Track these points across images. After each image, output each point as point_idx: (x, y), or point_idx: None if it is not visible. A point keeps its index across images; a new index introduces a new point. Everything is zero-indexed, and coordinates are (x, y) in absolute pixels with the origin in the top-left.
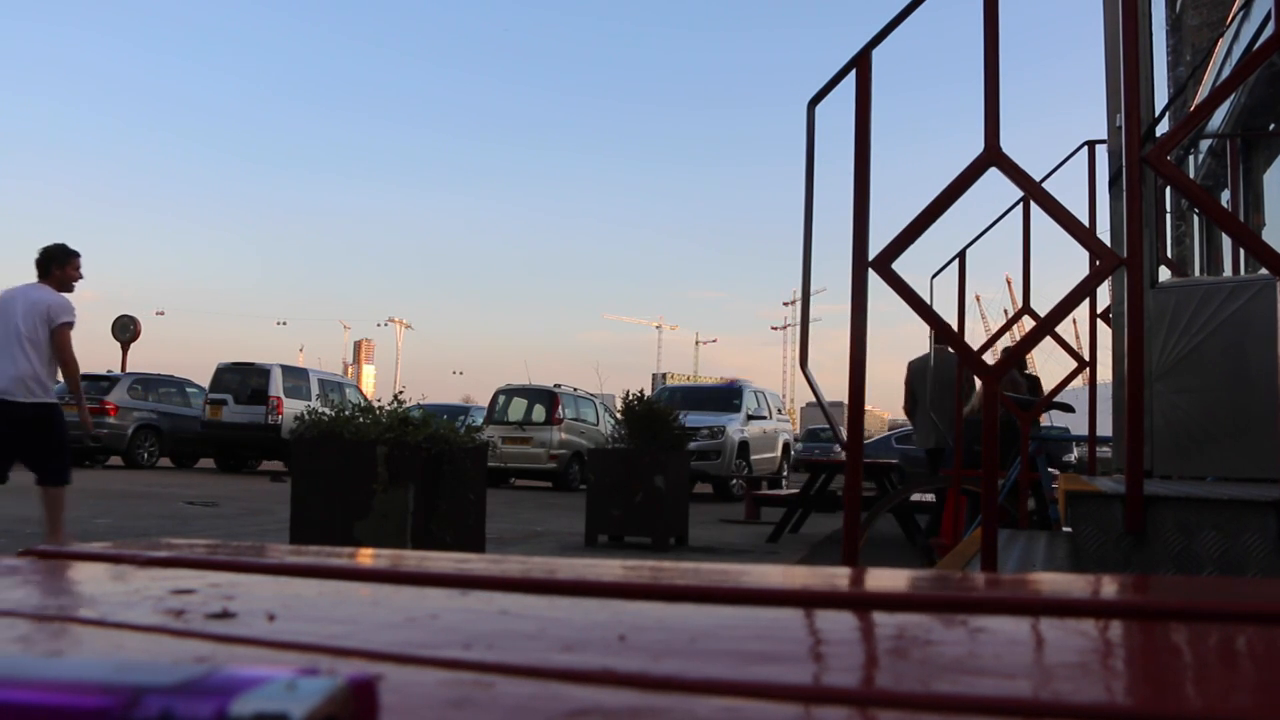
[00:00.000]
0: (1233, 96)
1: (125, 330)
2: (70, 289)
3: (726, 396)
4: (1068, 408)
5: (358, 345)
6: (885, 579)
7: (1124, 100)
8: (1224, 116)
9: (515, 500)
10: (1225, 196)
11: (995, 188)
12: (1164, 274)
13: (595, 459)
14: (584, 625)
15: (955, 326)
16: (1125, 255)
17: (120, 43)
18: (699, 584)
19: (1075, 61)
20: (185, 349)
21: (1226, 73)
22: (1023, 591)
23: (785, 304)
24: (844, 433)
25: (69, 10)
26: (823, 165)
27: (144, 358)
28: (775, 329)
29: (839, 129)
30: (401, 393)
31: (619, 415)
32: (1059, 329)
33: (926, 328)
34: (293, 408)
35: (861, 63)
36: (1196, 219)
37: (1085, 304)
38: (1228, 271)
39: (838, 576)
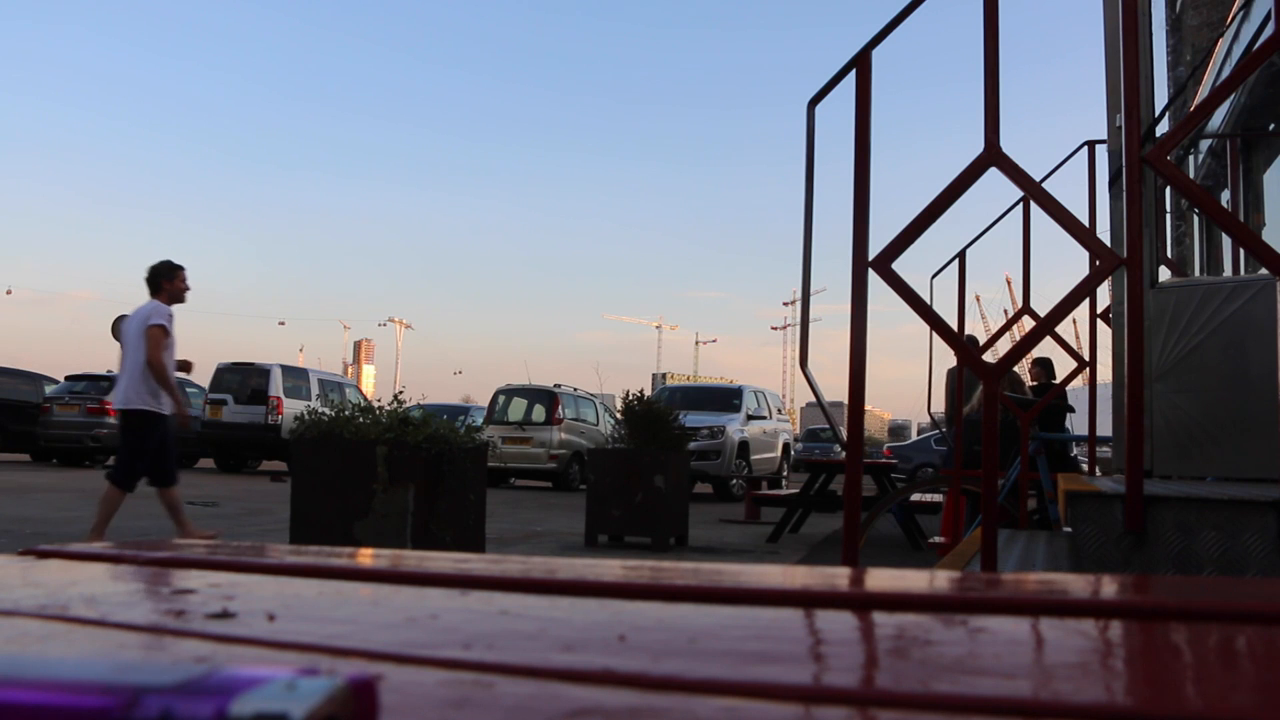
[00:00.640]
0: (1233, 96)
1: None
2: (181, 300)
3: (726, 396)
4: (1068, 408)
5: (358, 345)
6: (885, 579)
7: (1124, 100)
8: (1224, 116)
9: (515, 500)
10: (1225, 196)
11: (995, 188)
12: (1164, 274)
13: (595, 459)
14: (584, 625)
15: (955, 326)
16: (1125, 255)
17: (120, 43)
18: (699, 584)
19: (1075, 61)
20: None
21: (1226, 73)
22: (1022, 592)
23: (785, 304)
24: (844, 433)
25: (69, 10)
26: (823, 165)
27: None
28: (775, 329)
29: (839, 129)
30: (401, 393)
31: (619, 415)
32: (1059, 329)
33: (926, 328)
34: (293, 408)
35: (861, 63)
36: (1196, 219)
37: (1085, 304)
38: (1228, 271)
39: (838, 576)
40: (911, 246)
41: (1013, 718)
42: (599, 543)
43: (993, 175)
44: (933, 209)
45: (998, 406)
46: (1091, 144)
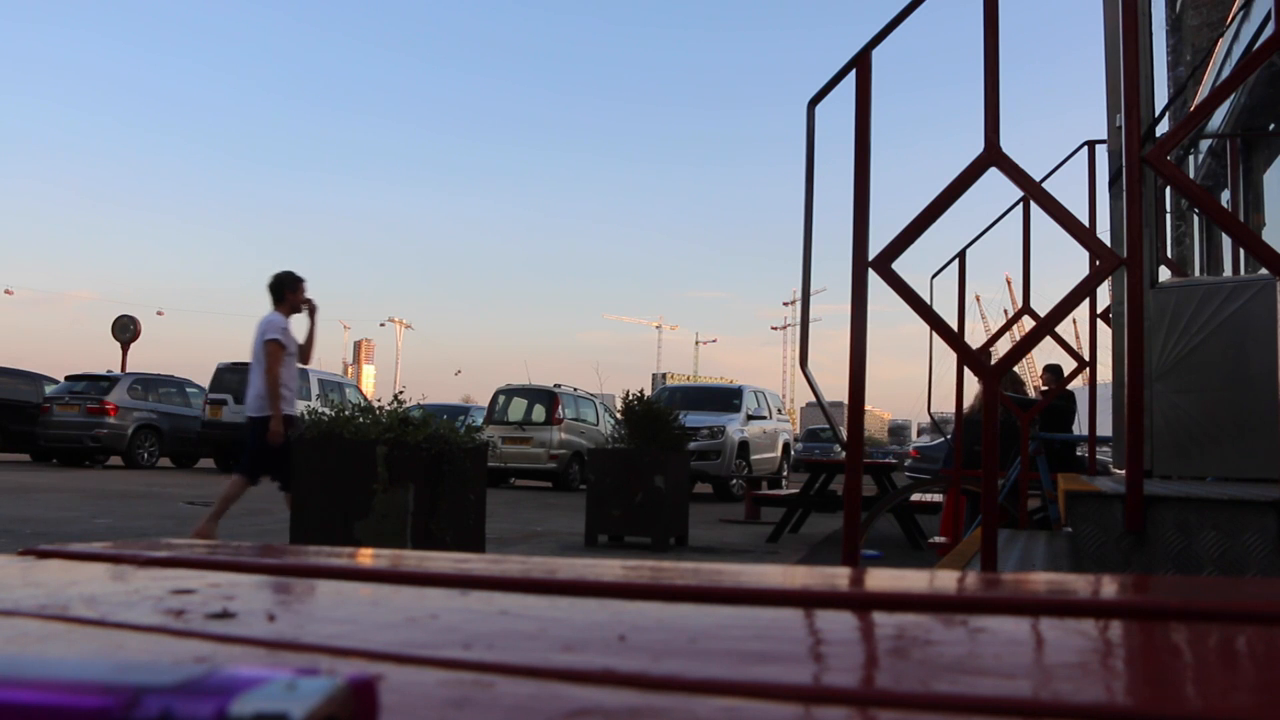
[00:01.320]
0: (1233, 97)
1: (125, 330)
2: (300, 310)
3: (726, 396)
4: (1071, 408)
5: (358, 345)
6: (885, 579)
7: (1124, 100)
8: (1224, 116)
9: (515, 500)
10: (1225, 196)
11: (995, 188)
12: (1164, 274)
13: (595, 459)
14: (584, 625)
15: (955, 326)
16: (1125, 255)
17: (121, 43)
18: (699, 584)
19: (1075, 61)
20: (185, 349)
21: (1226, 73)
22: (1022, 591)
23: (785, 304)
24: (844, 433)
25: (70, 10)
26: (823, 165)
27: (144, 358)
28: (775, 329)
29: (839, 129)
30: (401, 393)
31: (619, 415)
32: (1059, 329)
33: (926, 328)
34: None
35: (861, 63)
36: (1196, 219)
37: (1085, 304)
38: (1228, 271)
39: (837, 576)
40: (911, 246)
41: (1013, 718)
42: (599, 543)
43: (993, 175)
44: (933, 209)
45: (998, 406)
46: (1091, 144)
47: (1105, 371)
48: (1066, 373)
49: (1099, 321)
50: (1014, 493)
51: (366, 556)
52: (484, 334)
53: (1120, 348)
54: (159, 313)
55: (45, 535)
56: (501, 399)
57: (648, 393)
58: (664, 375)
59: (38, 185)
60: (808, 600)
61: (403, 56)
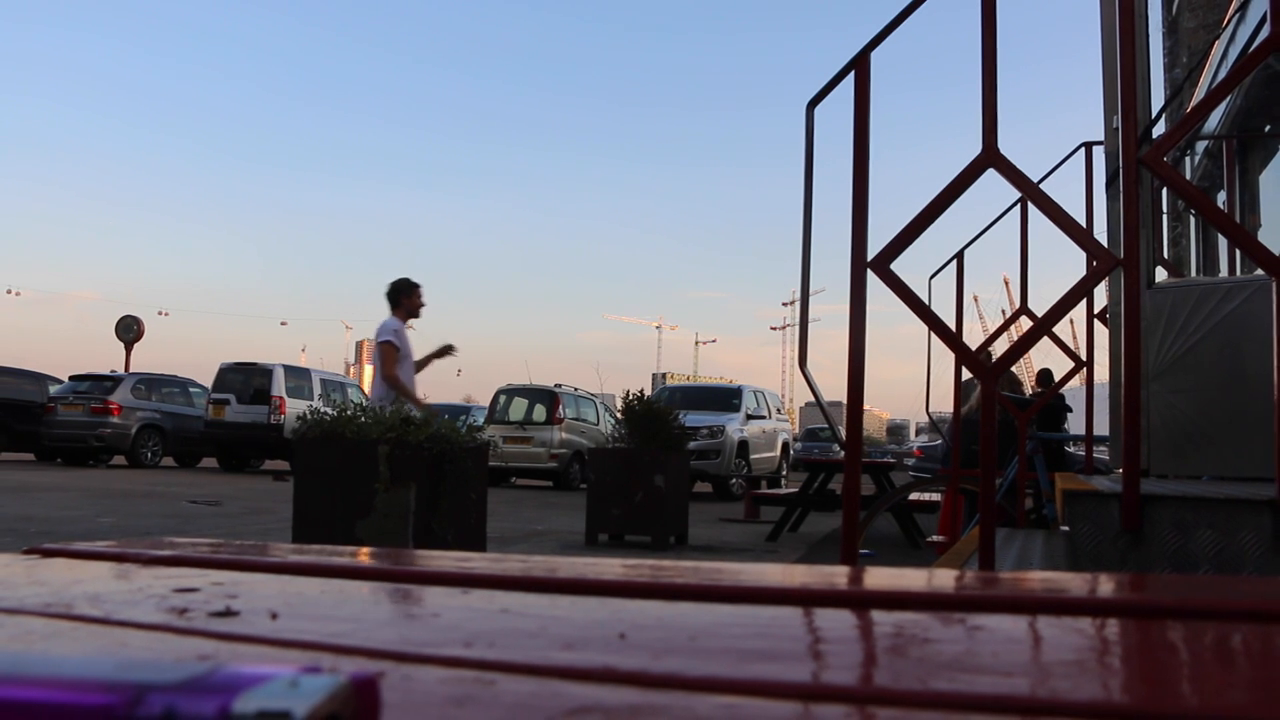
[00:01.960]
0: (1229, 98)
1: (129, 331)
2: (417, 315)
3: (726, 396)
4: (1065, 408)
5: (359, 345)
6: (883, 577)
7: (1121, 102)
8: (1220, 118)
9: (516, 499)
10: (1221, 197)
11: (993, 189)
12: (1160, 274)
13: (595, 458)
14: (584, 623)
15: (953, 327)
16: (1122, 256)
17: (122, 44)
18: (699, 582)
19: (1073, 63)
20: (188, 349)
21: (1223, 75)
22: (1020, 590)
23: (784, 304)
24: (843, 432)
25: (69, 10)
26: (822, 166)
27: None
28: (774, 329)
29: (838, 130)
30: None
31: (619, 415)
32: (1056, 329)
33: (925, 328)
34: (295, 407)
35: (860, 64)
36: (1193, 220)
37: (1082, 304)
38: (1224, 272)
39: (836, 575)
40: (910, 247)
41: (1011, 715)
42: (599, 542)
43: (991, 176)
44: (931, 210)
45: (995, 406)
46: (1089, 145)
47: (1102, 371)
48: (1063, 374)
49: (1096, 322)
50: (1011, 492)
51: (368, 555)
52: (485, 334)
53: (1117, 348)
54: (161, 313)
55: (49, 534)
56: (502, 399)
57: (648, 393)
58: (664, 375)
59: (41, 186)
60: (807, 599)
61: (403, 57)
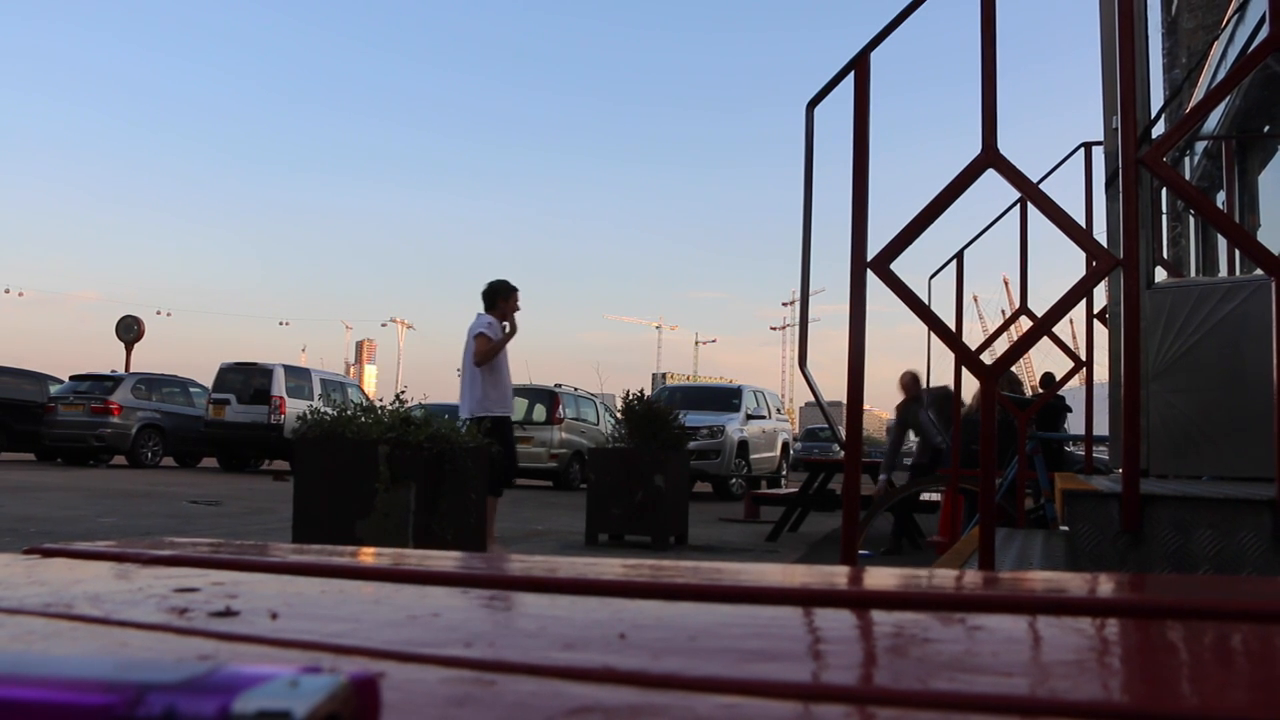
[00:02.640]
0: (1228, 99)
1: (129, 331)
2: (511, 318)
3: (726, 396)
4: (1065, 408)
5: (359, 345)
6: (883, 577)
7: (1120, 102)
8: (1219, 119)
9: (516, 499)
10: (1220, 198)
11: (993, 189)
12: (1160, 275)
13: (595, 458)
14: (584, 623)
15: (953, 327)
16: (1121, 256)
17: (122, 43)
18: (698, 582)
19: (1072, 64)
20: (188, 349)
21: (1222, 75)
22: (1020, 590)
23: (784, 304)
24: (843, 432)
25: (69, 10)
26: (821, 166)
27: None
28: (774, 329)
29: (838, 130)
30: (403, 392)
31: (619, 415)
32: (1056, 329)
33: (925, 328)
34: (295, 407)
35: (860, 65)
36: (1192, 220)
37: (1082, 304)
38: (1223, 272)
39: (836, 575)
40: (910, 247)
41: (1011, 715)
42: (599, 541)
43: (990, 176)
44: (931, 210)
45: (995, 406)
46: (1088, 145)
47: (1102, 371)
48: (1064, 373)
49: (1096, 322)
50: (1011, 492)
51: (368, 555)
52: None
53: (1117, 348)
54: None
55: (50, 534)
56: None
57: (648, 392)
58: (664, 375)
59: (42, 186)
60: (807, 599)
61: (403, 57)
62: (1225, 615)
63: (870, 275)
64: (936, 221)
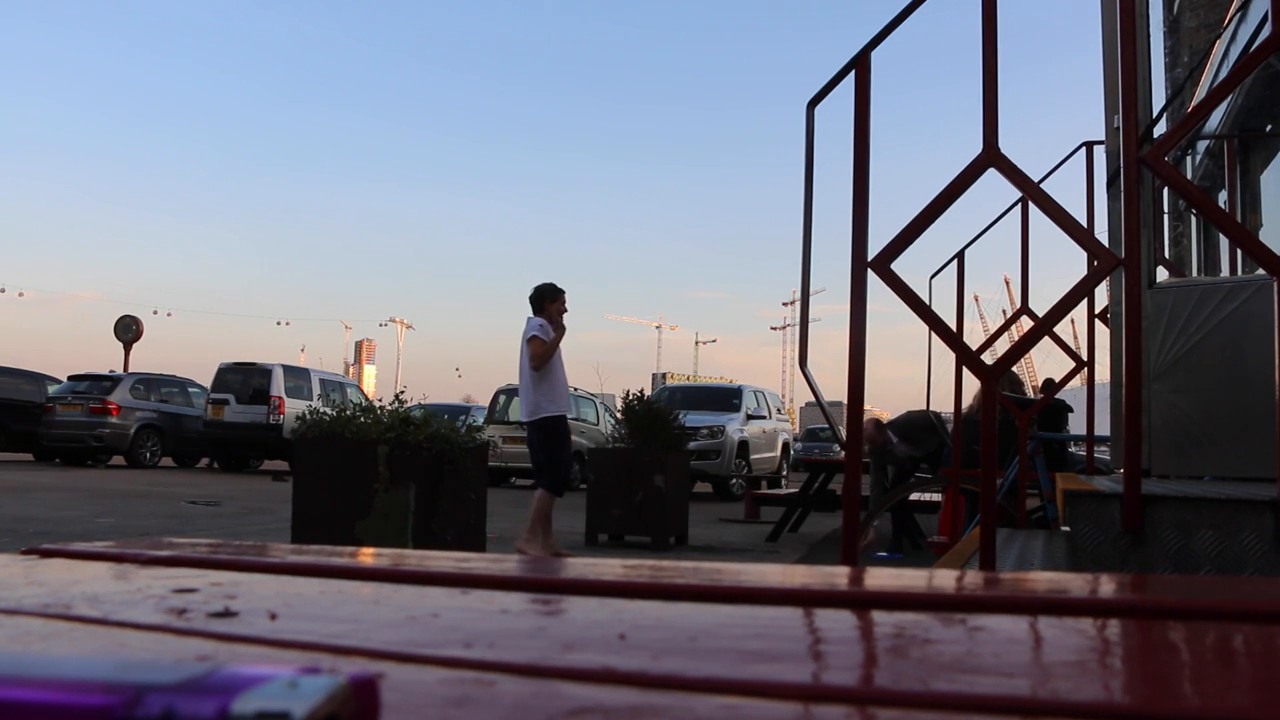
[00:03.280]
0: (1230, 98)
1: (128, 330)
2: (559, 320)
3: (726, 396)
4: (1066, 407)
5: (359, 345)
6: (884, 578)
7: (1122, 101)
8: (1221, 118)
9: (516, 499)
10: (1222, 197)
11: (994, 188)
12: (1162, 274)
13: (595, 459)
14: (584, 624)
15: (954, 327)
16: (1123, 256)
17: (121, 43)
18: (699, 583)
19: (1074, 63)
20: (187, 349)
21: (1224, 74)
22: (1021, 590)
23: (785, 304)
24: (843, 432)
25: (69, 10)
26: (822, 166)
27: (146, 358)
28: (775, 329)
29: (838, 130)
30: (403, 392)
31: (619, 415)
32: (1057, 329)
33: (925, 328)
34: (294, 407)
35: (860, 64)
36: (1194, 219)
37: (1083, 304)
38: (1225, 272)
39: (836, 575)
40: (910, 247)
41: (1011, 716)
42: (599, 542)
43: (991, 176)
44: (932, 209)
45: (996, 406)
46: (1090, 145)
47: (1103, 371)
48: (1065, 373)
49: (1097, 322)
50: (1012, 492)
51: (368, 556)
52: (484, 334)
53: (1118, 348)
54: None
55: (48, 534)
56: (502, 399)
57: (648, 393)
58: (664, 375)
59: (40, 186)
60: (807, 599)
61: (403, 57)
62: (1227, 616)
63: (871, 275)
64: (937, 221)
